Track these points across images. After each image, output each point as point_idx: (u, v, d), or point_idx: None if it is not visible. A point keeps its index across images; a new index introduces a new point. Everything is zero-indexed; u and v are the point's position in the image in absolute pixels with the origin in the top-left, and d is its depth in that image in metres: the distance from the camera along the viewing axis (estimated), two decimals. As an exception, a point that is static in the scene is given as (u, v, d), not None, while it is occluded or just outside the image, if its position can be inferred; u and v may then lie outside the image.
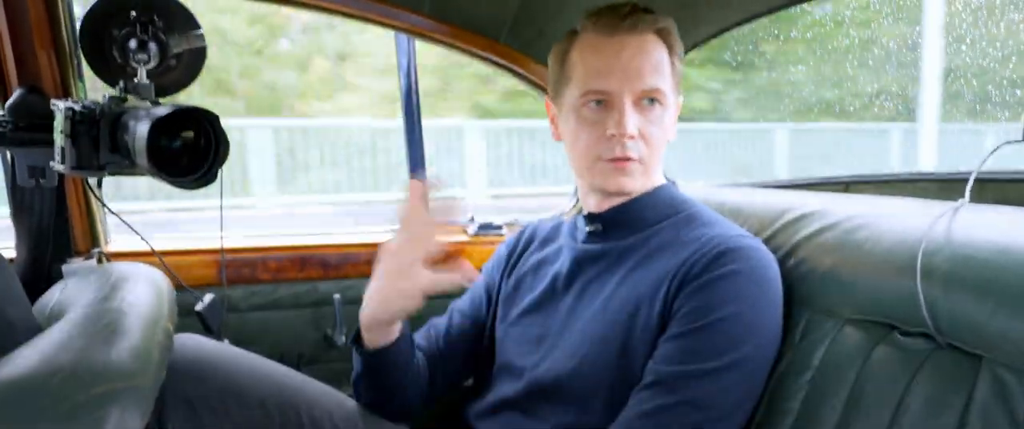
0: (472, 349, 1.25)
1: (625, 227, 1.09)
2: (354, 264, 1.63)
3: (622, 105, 1.00)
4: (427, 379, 1.21)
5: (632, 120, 1.00)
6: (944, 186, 1.22)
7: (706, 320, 0.91)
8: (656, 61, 1.02)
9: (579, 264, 1.11)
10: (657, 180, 1.10)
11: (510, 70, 1.65)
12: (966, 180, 0.91)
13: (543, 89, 1.68)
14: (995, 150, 0.94)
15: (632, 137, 1.01)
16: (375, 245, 1.63)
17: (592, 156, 1.04)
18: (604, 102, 1.02)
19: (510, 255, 1.28)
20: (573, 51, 1.06)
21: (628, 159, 1.02)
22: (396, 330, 1.08)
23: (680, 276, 0.96)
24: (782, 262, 1.02)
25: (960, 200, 0.88)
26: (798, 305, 0.98)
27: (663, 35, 1.04)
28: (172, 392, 1.01)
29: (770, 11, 1.39)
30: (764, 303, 0.94)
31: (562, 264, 1.14)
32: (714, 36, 1.51)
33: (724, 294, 0.92)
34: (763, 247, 0.99)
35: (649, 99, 1.02)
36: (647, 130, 1.02)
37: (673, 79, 1.05)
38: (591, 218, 1.12)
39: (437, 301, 1.65)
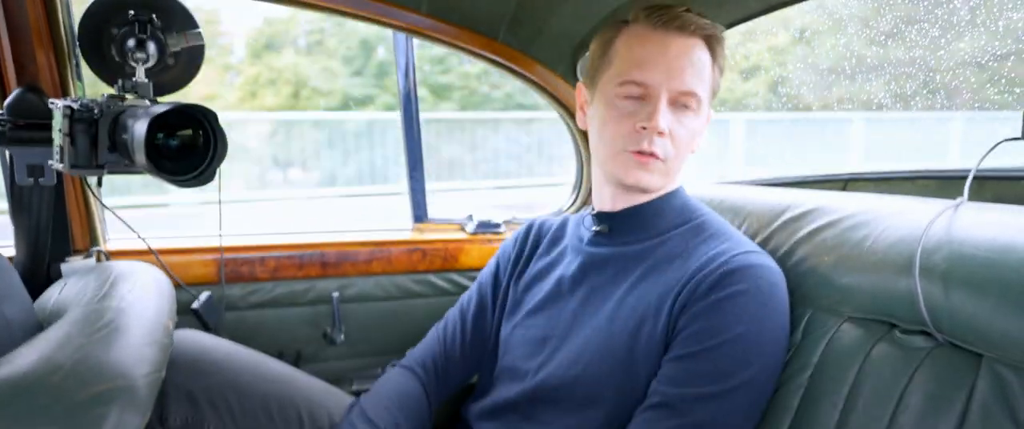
0: (479, 351, 1.25)
1: (633, 232, 1.08)
2: (352, 262, 1.63)
3: (657, 100, 0.99)
4: (434, 395, 1.22)
5: (665, 117, 0.99)
6: (943, 184, 1.21)
7: (713, 342, 0.90)
8: (699, 65, 1.01)
9: (585, 268, 1.10)
10: (674, 185, 1.09)
11: (508, 69, 1.65)
12: (965, 178, 0.91)
13: (542, 88, 1.68)
14: (994, 148, 0.94)
15: (662, 134, 0.99)
16: (373, 243, 1.65)
17: (618, 146, 1.02)
18: (640, 95, 1.01)
19: (519, 254, 1.26)
20: (619, 38, 1.05)
21: (653, 155, 1.01)
22: None
23: (686, 293, 0.95)
24: (782, 260, 1.02)
25: (959, 198, 0.88)
26: (798, 303, 0.98)
27: (710, 42, 1.03)
28: (174, 385, 1.02)
29: (768, 10, 1.39)
30: (770, 323, 0.93)
31: (568, 266, 1.14)
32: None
33: (730, 315, 0.91)
34: (770, 263, 0.97)
35: (685, 101, 1.01)
36: (677, 131, 1.01)
37: (711, 87, 1.05)
38: (600, 217, 1.11)
39: (430, 303, 1.67)
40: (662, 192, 1.07)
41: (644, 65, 1.00)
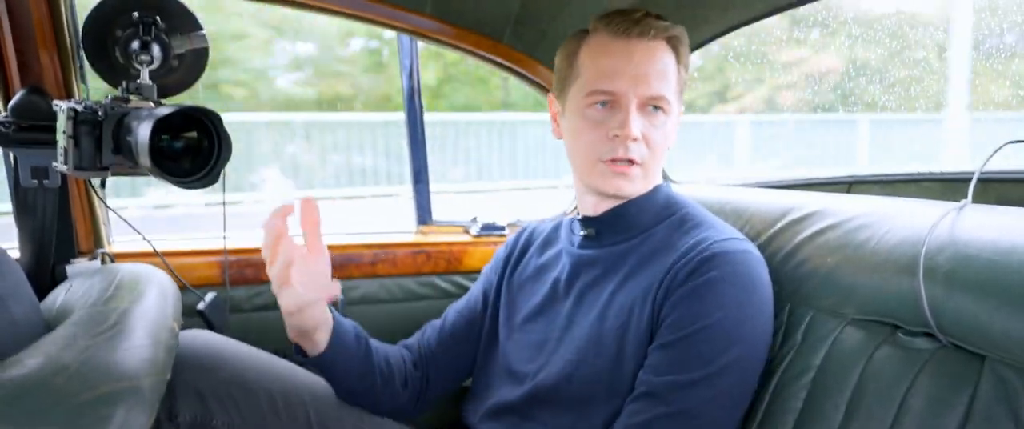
0: (468, 350, 1.26)
1: (619, 232, 1.09)
2: (356, 264, 1.63)
3: (627, 107, 1.01)
4: (416, 378, 1.22)
5: (636, 123, 1.00)
6: (947, 186, 1.21)
7: (692, 328, 0.92)
8: (663, 68, 1.02)
9: (576, 270, 1.12)
10: (654, 183, 1.10)
11: (513, 71, 1.65)
12: (969, 180, 0.91)
13: (546, 90, 1.68)
14: (998, 150, 0.94)
15: (635, 139, 1.01)
16: (377, 245, 1.65)
17: (594, 156, 1.04)
18: (609, 103, 1.02)
19: (508, 258, 1.28)
20: (582, 50, 1.06)
21: (629, 161, 1.02)
22: (320, 340, 1.08)
23: (666, 283, 0.96)
24: (784, 262, 1.02)
25: (963, 200, 0.88)
26: (801, 305, 0.98)
27: (673, 43, 1.04)
28: (182, 382, 1.02)
29: (773, 12, 1.39)
30: (750, 307, 0.94)
31: (561, 269, 1.15)
32: (716, 37, 1.51)
33: (709, 301, 0.92)
34: (750, 248, 0.99)
35: (654, 105, 1.03)
36: (650, 134, 1.03)
37: (678, 87, 1.06)
38: (586, 222, 1.12)
39: (434, 305, 1.67)
40: (643, 191, 1.09)
41: (610, 75, 1.01)
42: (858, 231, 0.94)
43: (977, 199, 0.88)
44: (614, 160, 1.02)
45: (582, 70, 1.05)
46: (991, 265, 0.74)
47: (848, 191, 1.43)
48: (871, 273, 0.88)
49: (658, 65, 1.02)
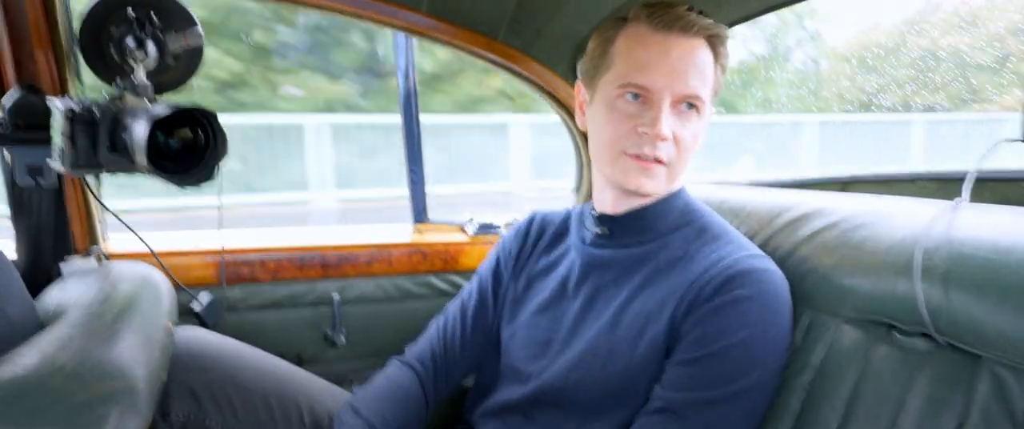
0: (480, 347, 1.24)
1: (635, 234, 1.06)
2: (353, 264, 1.63)
3: (660, 104, 0.96)
4: (431, 394, 1.21)
5: (668, 122, 0.96)
6: (942, 185, 1.22)
7: (715, 347, 0.90)
8: (702, 67, 0.98)
9: (587, 270, 1.09)
10: (677, 185, 1.07)
11: (508, 69, 1.65)
12: (964, 179, 0.91)
13: (541, 88, 1.68)
14: (993, 148, 0.94)
15: (664, 139, 0.97)
16: (373, 245, 1.65)
17: (618, 150, 1.00)
18: (642, 97, 0.98)
19: (520, 252, 1.24)
20: (620, 38, 1.01)
21: (656, 160, 0.98)
22: None
23: (689, 298, 0.94)
24: (781, 262, 1.02)
25: (958, 199, 0.88)
26: (798, 304, 0.98)
27: (713, 42, 1.00)
28: (176, 381, 1.02)
29: (768, 9, 1.39)
30: (774, 329, 0.92)
31: (571, 267, 1.12)
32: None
33: (734, 320, 0.90)
34: (773, 267, 0.96)
35: (688, 104, 0.99)
36: (680, 134, 0.98)
37: (714, 88, 1.02)
38: (602, 219, 1.09)
39: (430, 305, 1.67)
40: (665, 192, 1.06)
41: (646, 68, 0.97)
42: (855, 231, 0.94)
43: (973, 198, 0.88)
44: (639, 156, 0.99)
45: (616, 59, 1.00)
46: (987, 264, 0.74)
47: (844, 190, 1.43)
48: (868, 273, 0.88)
49: (697, 63, 0.97)
